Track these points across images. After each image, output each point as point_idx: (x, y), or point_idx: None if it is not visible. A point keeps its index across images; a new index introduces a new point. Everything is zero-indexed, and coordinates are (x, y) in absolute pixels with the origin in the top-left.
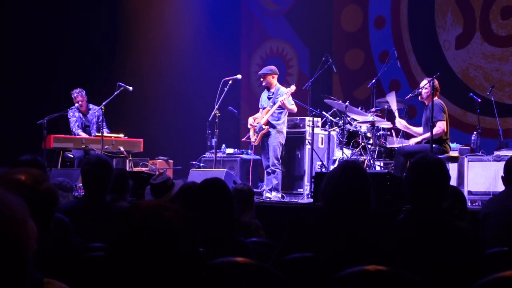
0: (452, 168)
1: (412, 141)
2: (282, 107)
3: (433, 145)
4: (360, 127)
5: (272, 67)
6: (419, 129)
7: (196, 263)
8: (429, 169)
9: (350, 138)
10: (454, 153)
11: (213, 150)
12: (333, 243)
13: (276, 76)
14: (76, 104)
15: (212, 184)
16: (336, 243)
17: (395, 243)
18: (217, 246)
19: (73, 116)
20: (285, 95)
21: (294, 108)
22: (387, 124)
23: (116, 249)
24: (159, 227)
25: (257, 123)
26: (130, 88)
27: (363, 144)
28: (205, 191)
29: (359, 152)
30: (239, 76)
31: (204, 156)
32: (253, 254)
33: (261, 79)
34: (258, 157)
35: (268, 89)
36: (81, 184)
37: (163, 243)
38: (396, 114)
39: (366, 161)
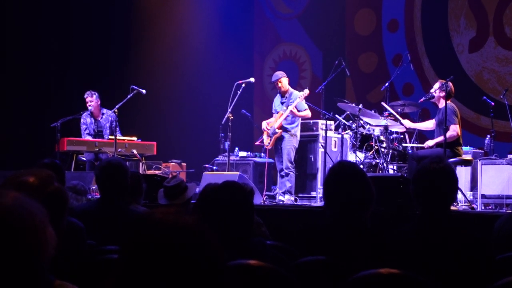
0: (466, 171)
1: (427, 144)
2: (298, 110)
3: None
4: (373, 130)
5: (280, 71)
6: (427, 123)
7: (216, 271)
8: (434, 178)
9: (363, 142)
10: (468, 157)
11: (226, 153)
12: (341, 246)
13: (287, 79)
14: (89, 108)
15: (232, 186)
16: (345, 245)
17: (406, 246)
18: (238, 248)
19: (84, 123)
20: (298, 99)
21: (306, 114)
22: (400, 128)
23: (132, 255)
24: (177, 235)
25: (271, 127)
26: (143, 91)
27: (376, 147)
28: (226, 193)
29: (372, 156)
30: (252, 79)
31: (217, 159)
32: (269, 254)
33: (278, 84)
34: (272, 160)
35: (282, 94)
36: (94, 187)
37: (181, 251)
38: (398, 117)
39: (379, 165)
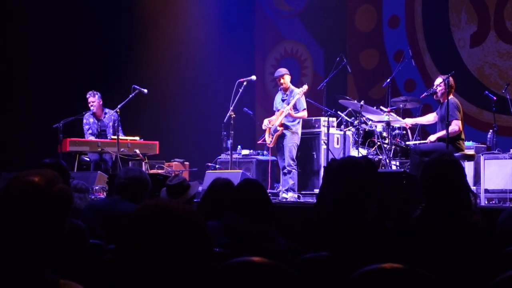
0: (469, 166)
1: (429, 139)
2: (296, 108)
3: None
4: (376, 126)
5: (284, 68)
6: (429, 117)
7: (209, 262)
8: (443, 172)
9: (366, 138)
10: (470, 151)
11: (229, 152)
12: (344, 241)
13: (290, 77)
14: (92, 108)
15: (253, 185)
16: (347, 240)
17: (410, 240)
18: (254, 246)
19: (87, 123)
20: (297, 95)
21: (303, 115)
22: (402, 123)
23: (126, 247)
24: (169, 224)
25: (272, 125)
26: (145, 90)
27: (378, 143)
28: (246, 192)
29: (375, 152)
30: (253, 77)
31: (220, 158)
32: (286, 255)
33: (281, 80)
34: (275, 158)
35: (283, 90)
36: (97, 187)
37: (173, 240)
38: (400, 118)
39: (382, 161)
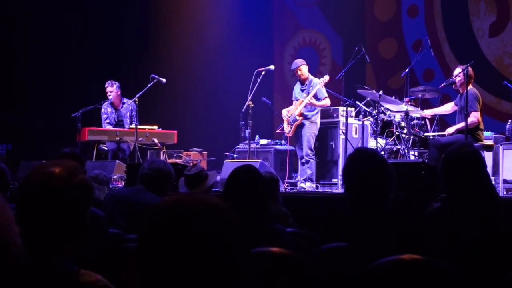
0: (487, 156)
1: (448, 131)
2: (317, 97)
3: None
4: (394, 116)
5: (300, 59)
6: (446, 107)
7: (241, 262)
8: (463, 163)
9: (384, 128)
10: (489, 142)
11: (247, 141)
12: (364, 232)
13: (307, 67)
14: (110, 98)
15: (244, 171)
16: (367, 231)
17: (429, 231)
18: (252, 235)
19: (105, 112)
20: (318, 85)
21: (325, 103)
22: (423, 114)
23: (159, 241)
24: (205, 212)
25: (291, 115)
26: (164, 80)
27: (397, 133)
28: (236, 179)
29: (393, 142)
30: (272, 67)
31: (238, 147)
32: (289, 240)
33: (298, 72)
34: (293, 148)
35: (301, 81)
36: (116, 176)
37: (209, 228)
38: (421, 112)
39: (400, 151)
